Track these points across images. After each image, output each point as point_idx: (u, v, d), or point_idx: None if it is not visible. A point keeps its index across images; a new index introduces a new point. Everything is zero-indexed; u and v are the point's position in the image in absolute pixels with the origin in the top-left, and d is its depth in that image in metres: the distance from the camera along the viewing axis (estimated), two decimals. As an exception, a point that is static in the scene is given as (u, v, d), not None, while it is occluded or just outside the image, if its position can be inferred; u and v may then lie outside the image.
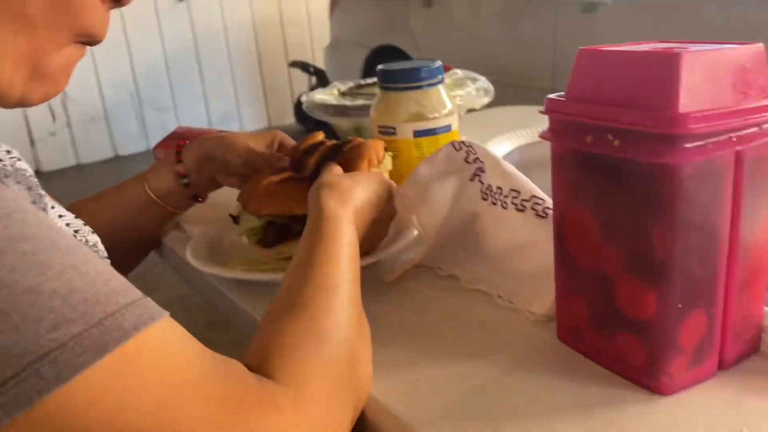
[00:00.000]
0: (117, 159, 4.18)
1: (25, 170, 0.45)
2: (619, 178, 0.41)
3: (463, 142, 0.64)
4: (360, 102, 1.03)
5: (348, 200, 0.56)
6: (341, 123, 1.01)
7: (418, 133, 0.79)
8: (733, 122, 0.38)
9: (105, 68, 3.97)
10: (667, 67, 0.38)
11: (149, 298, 0.38)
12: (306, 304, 0.45)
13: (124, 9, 0.49)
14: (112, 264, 0.42)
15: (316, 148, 0.70)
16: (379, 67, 0.81)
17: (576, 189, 0.45)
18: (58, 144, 3.98)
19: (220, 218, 0.75)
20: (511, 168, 0.62)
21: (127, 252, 0.76)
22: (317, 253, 0.49)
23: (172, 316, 0.40)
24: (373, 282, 0.63)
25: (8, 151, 0.44)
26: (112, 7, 0.46)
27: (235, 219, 0.70)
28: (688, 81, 0.37)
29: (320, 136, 0.75)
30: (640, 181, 0.40)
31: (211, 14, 4.35)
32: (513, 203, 0.60)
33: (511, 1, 2.84)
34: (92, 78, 3.97)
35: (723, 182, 0.40)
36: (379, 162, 0.69)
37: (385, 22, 3.41)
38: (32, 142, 3.84)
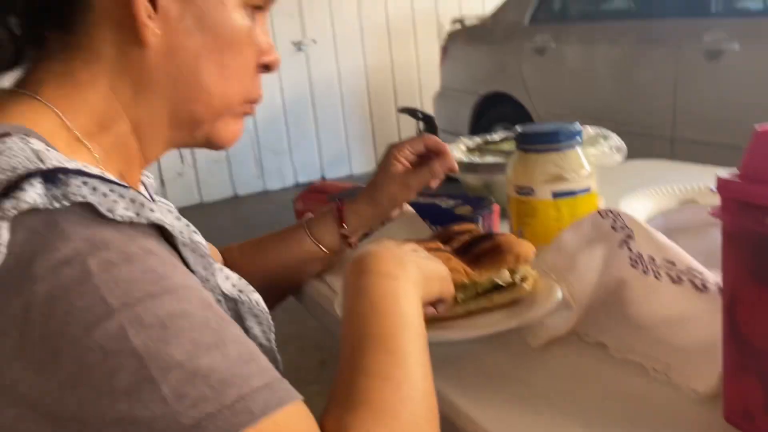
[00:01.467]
0: (236, 198, 4.43)
1: (200, 242, 0.48)
2: (803, 262, 0.40)
3: (609, 210, 0.64)
4: (489, 159, 1.06)
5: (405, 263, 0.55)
6: (471, 180, 1.03)
7: (556, 194, 0.80)
8: None
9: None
10: None
11: (284, 381, 0.40)
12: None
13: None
14: None
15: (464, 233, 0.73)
16: (518, 129, 0.83)
17: (753, 267, 0.44)
18: (185, 184, 4.26)
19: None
20: (663, 237, 0.61)
21: (275, 297, 0.80)
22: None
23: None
24: (519, 346, 0.64)
25: (188, 225, 0.48)
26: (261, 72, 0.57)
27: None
28: None
29: (470, 226, 0.77)
30: (829, 267, 0.39)
31: (326, 62, 4.55)
32: (668, 274, 0.59)
33: (630, 49, 2.79)
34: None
35: None
36: (526, 261, 0.69)
37: (496, 69, 3.43)
38: (162, 182, 4.14)
